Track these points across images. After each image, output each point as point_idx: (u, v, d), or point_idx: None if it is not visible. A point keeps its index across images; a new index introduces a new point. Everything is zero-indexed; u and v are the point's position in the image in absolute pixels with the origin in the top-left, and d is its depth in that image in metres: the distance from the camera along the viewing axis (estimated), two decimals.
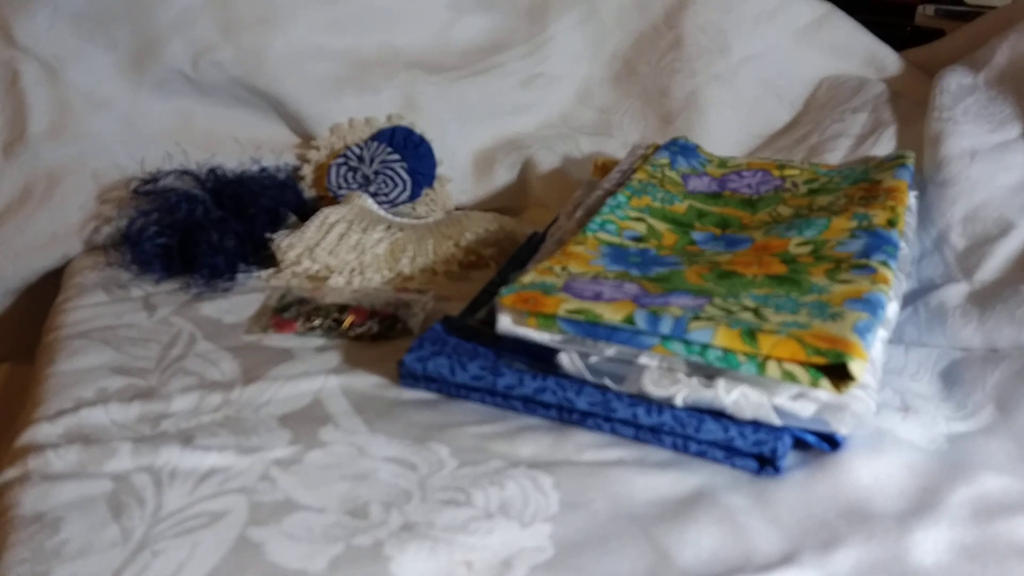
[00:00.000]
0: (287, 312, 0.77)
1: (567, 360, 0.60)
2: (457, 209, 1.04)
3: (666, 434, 0.58)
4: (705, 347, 0.56)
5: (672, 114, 1.07)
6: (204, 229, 0.85)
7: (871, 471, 0.56)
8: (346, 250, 0.87)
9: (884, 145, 0.94)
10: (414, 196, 1.01)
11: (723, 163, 0.88)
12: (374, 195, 0.99)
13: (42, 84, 0.96)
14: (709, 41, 1.09)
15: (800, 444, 0.58)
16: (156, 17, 0.98)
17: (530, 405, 0.62)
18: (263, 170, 0.99)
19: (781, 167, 0.85)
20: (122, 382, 0.67)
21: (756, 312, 0.58)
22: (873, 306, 0.58)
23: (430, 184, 1.02)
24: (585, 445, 0.60)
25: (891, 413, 0.62)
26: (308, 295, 0.80)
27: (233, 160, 0.99)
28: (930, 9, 1.18)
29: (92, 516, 0.53)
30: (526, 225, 0.94)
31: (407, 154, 1.00)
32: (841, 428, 0.55)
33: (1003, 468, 0.56)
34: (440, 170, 1.04)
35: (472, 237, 0.90)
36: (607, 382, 0.59)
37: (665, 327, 0.57)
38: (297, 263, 0.86)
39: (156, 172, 0.95)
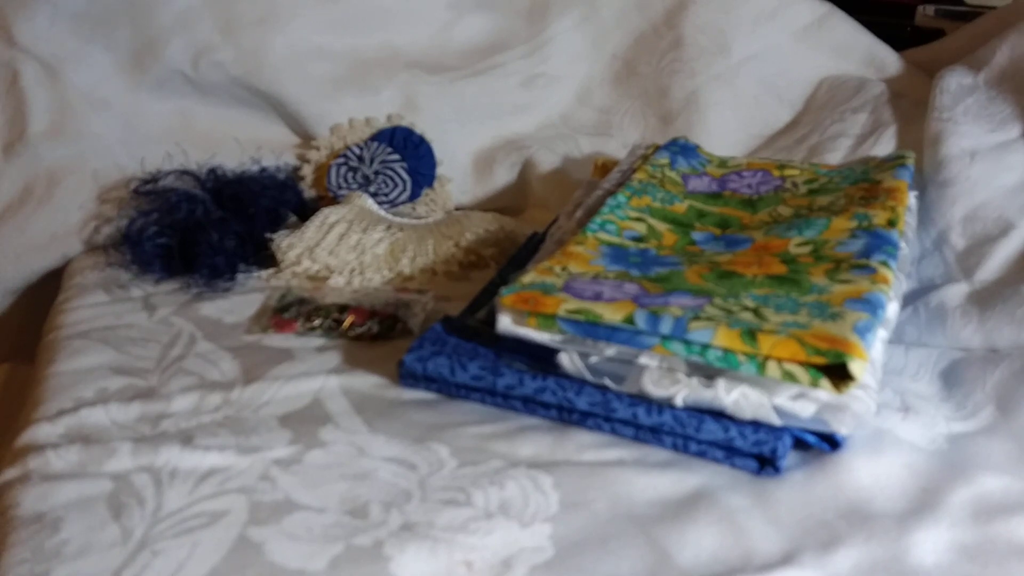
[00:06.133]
0: (287, 312, 0.77)
1: (567, 360, 0.60)
2: (457, 209, 1.04)
3: (666, 434, 0.58)
4: (705, 347, 0.56)
5: (672, 114, 1.07)
6: (204, 229, 0.85)
7: (871, 471, 0.56)
8: (346, 250, 0.87)
9: (884, 145, 0.94)
10: (414, 196, 1.01)
11: (723, 163, 0.88)
12: (374, 195, 0.99)
13: (42, 84, 0.96)
14: (709, 41, 1.09)
15: (800, 444, 0.58)
16: (156, 17, 0.98)
17: (530, 405, 0.62)
18: (263, 170, 0.99)
19: (781, 167, 0.85)
20: (122, 382, 0.67)
21: (756, 312, 0.58)
22: (873, 306, 0.58)
23: (430, 184, 1.02)
24: (585, 445, 0.60)
25: (891, 413, 0.62)
26: (308, 295, 0.80)
27: (233, 160, 0.99)
28: (930, 9, 1.18)
29: (92, 516, 0.53)
30: (526, 225, 0.94)
31: (407, 154, 1.00)
32: (841, 428, 0.55)
33: (1003, 468, 0.56)
34: (440, 170, 1.04)
35: (472, 237, 0.90)
36: (607, 382, 0.59)
37: (665, 327, 0.57)
38: (297, 263, 0.86)
39: (156, 172, 0.95)
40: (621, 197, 0.77)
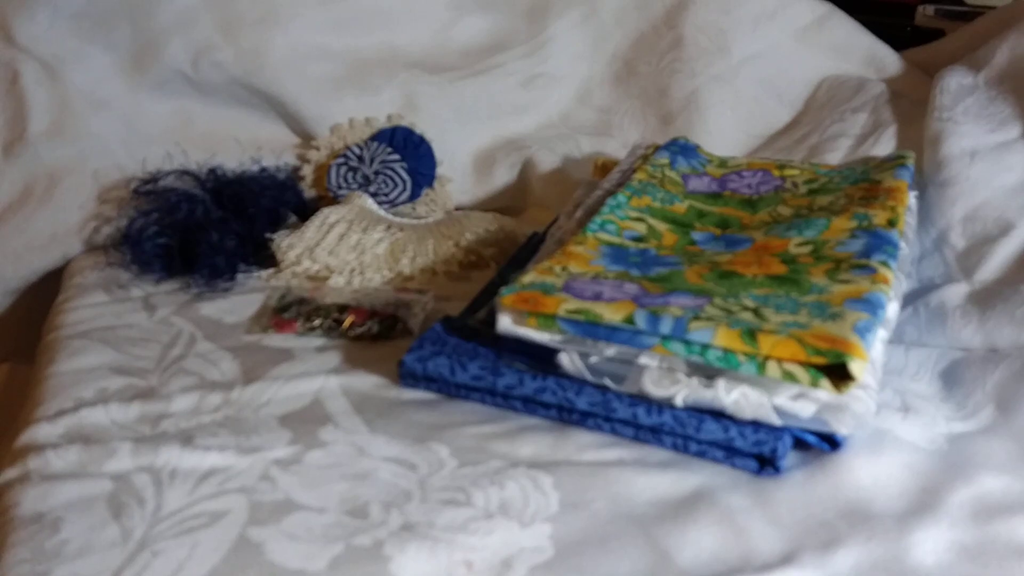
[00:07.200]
0: (287, 312, 0.77)
1: (567, 360, 0.60)
2: (457, 209, 1.04)
3: (666, 434, 0.58)
4: (705, 347, 0.56)
5: (672, 114, 1.07)
6: (204, 229, 0.85)
7: (871, 471, 0.56)
8: (346, 250, 0.87)
9: (884, 145, 0.94)
10: (414, 196, 1.01)
11: (723, 163, 0.88)
12: (374, 195, 0.99)
13: (42, 84, 0.96)
14: (709, 41, 1.09)
15: (800, 444, 0.58)
16: (156, 17, 0.98)
17: (530, 405, 0.62)
18: (263, 170, 0.99)
19: (781, 167, 0.85)
20: (122, 382, 0.67)
21: (756, 312, 0.58)
22: (873, 306, 0.58)
23: (430, 184, 1.02)
24: (585, 445, 0.60)
25: (891, 413, 0.62)
26: (308, 295, 0.80)
27: (233, 160, 0.99)
28: (930, 9, 1.18)
29: (92, 516, 0.53)
30: (526, 225, 0.94)
31: (407, 154, 1.00)
32: (841, 428, 0.55)
33: (1003, 468, 0.56)
34: (440, 170, 1.04)
35: (472, 237, 0.90)
36: (607, 382, 0.59)
37: (665, 327, 0.57)
38: (297, 263, 0.86)
39: (156, 172, 0.95)
40: (621, 197, 0.77)
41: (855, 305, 0.57)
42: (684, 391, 0.57)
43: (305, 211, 0.96)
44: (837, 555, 0.50)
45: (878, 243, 0.66)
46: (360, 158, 1.00)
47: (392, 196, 1.00)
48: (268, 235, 0.90)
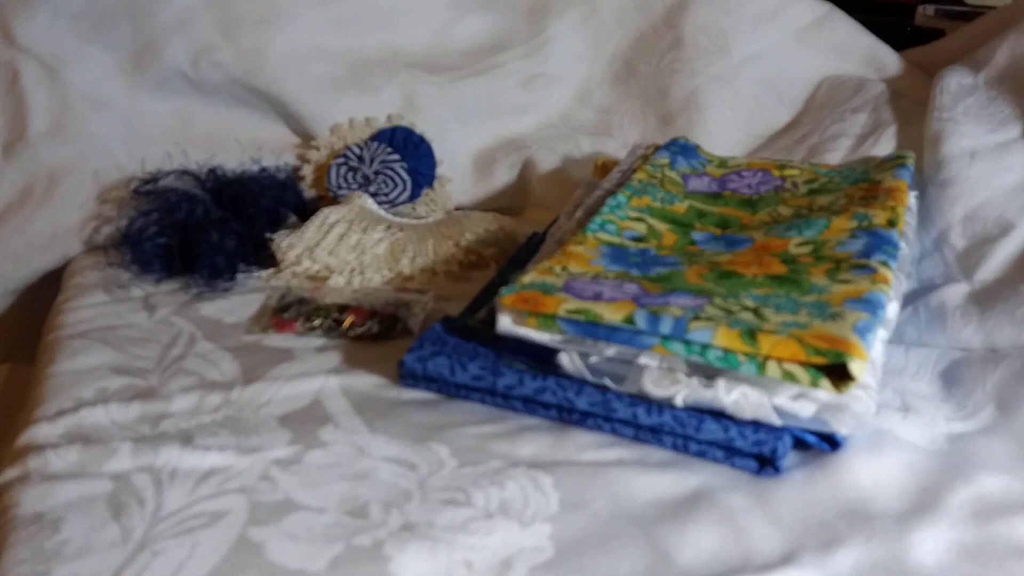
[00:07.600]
0: (287, 312, 0.77)
1: (567, 360, 0.60)
2: (457, 209, 1.04)
3: (666, 434, 0.58)
4: (705, 347, 0.56)
5: (672, 114, 1.07)
6: (204, 229, 0.85)
7: (871, 471, 0.56)
8: (346, 250, 0.87)
9: (884, 145, 0.94)
10: (414, 196, 1.01)
11: (723, 163, 0.88)
12: (374, 195, 0.99)
13: (42, 84, 0.96)
14: (709, 41, 1.09)
15: (800, 444, 0.58)
16: (156, 17, 0.98)
17: (530, 405, 0.62)
18: (263, 170, 0.99)
19: (781, 167, 0.85)
20: (122, 382, 0.67)
21: (756, 312, 0.58)
22: (873, 306, 0.58)
23: (430, 184, 1.03)
24: (585, 445, 0.60)
25: (891, 413, 0.62)
26: (308, 295, 0.80)
27: (233, 160, 0.99)
28: (930, 9, 1.19)
29: (92, 516, 0.53)
30: (526, 225, 0.94)
31: (407, 154, 1.00)
32: (841, 428, 0.55)
33: (1003, 468, 0.56)
34: (440, 170, 1.04)
35: (472, 237, 0.90)
36: (607, 382, 0.59)
37: (665, 327, 0.57)
38: (297, 263, 0.86)
39: (156, 172, 0.95)
40: (621, 197, 0.77)
41: (855, 305, 0.57)
42: (684, 391, 0.57)
43: (305, 211, 0.96)
44: (837, 555, 0.50)
45: (878, 243, 0.66)
46: (360, 158, 1.00)
47: (392, 196, 1.00)
48: (268, 235, 0.90)
